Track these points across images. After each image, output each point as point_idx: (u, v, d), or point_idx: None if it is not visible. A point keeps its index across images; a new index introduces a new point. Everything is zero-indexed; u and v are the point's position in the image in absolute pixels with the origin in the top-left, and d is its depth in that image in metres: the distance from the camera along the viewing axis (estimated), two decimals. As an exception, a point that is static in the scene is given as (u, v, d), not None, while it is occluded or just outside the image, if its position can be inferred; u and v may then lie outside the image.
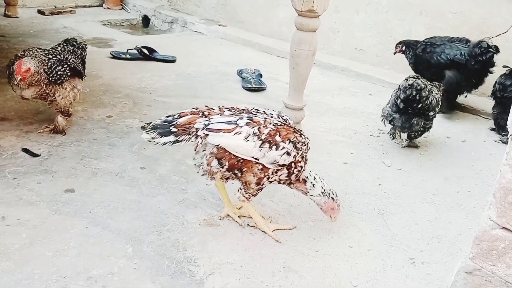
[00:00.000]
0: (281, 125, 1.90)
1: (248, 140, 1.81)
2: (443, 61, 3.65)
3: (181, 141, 1.82)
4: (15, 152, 2.47)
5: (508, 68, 3.39)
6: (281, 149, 1.85)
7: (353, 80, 4.45)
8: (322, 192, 2.01)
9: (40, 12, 5.74)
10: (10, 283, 1.63)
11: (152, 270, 1.77)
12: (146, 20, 6.24)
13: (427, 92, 2.83)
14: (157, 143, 1.80)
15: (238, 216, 2.12)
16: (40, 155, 2.47)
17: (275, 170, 1.90)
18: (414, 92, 2.80)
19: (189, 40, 5.34)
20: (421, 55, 3.78)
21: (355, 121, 3.51)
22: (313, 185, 2.00)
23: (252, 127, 1.83)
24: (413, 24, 4.31)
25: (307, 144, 1.96)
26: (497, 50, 3.48)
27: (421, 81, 2.85)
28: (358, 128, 3.39)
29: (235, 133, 1.81)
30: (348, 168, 2.76)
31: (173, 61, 4.41)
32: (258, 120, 1.87)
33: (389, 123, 3.01)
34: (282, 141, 1.86)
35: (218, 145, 1.82)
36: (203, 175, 1.93)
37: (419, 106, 2.83)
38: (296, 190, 2.04)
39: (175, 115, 1.89)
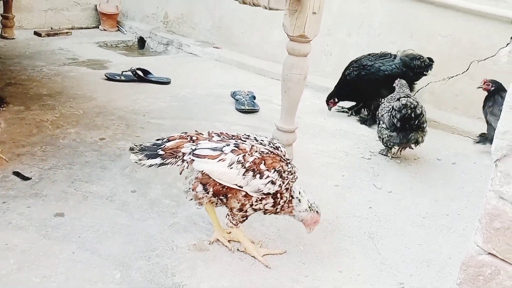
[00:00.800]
0: (267, 153, 1.91)
1: (231, 168, 1.82)
2: (382, 78, 3.80)
3: (167, 164, 1.85)
4: (5, 176, 2.47)
5: None
6: (265, 178, 1.85)
7: (346, 102, 4.49)
8: (309, 207, 1.99)
9: (37, 33, 5.80)
10: (-5, 311, 1.62)
11: (140, 297, 1.76)
12: (141, 42, 6.32)
13: (420, 109, 3.04)
14: (144, 165, 1.84)
15: (228, 241, 2.12)
16: (31, 178, 2.47)
17: (260, 198, 1.90)
18: (409, 110, 3.00)
19: (184, 62, 5.40)
20: (356, 81, 3.90)
21: (347, 143, 3.54)
22: (299, 200, 1.99)
23: (237, 155, 1.84)
24: (404, 46, 4.35)
25: (294, 173, 1.96)
26: (431, 61, 3.75)
27: (413, 99, 3.07)
28: (350, 150, 3.41)
29: (219, 160, 1.82)
30: (340, 191, 2.77)
31: (167, 83, 4.45)
32: (244, 148, 1.87)
33: (388, 143, 3.17)
34: (267, 169, 1.86)
35: (203, 171, 1.84)
36: (191, 199, 1.95)
37: (416, 122, 3.02)
38: (283, 213, 2.04)
39: (164, 138, 1.92)
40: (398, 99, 3.08)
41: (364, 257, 2.18)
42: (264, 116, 3.89)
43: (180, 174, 1.93)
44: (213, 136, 1.95)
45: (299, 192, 2.01)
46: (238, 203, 1.90)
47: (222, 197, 1.90)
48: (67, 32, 6.05)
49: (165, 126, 3.41)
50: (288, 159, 2.00)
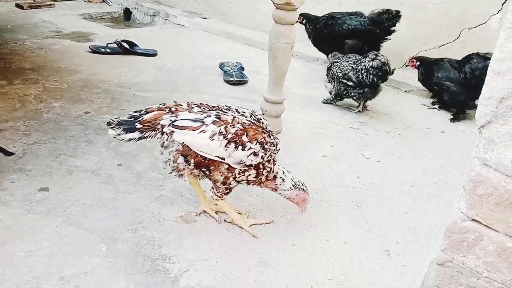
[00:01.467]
0: (249, 125, 1.86)
1: (213, 139, 1.77)
2: (345, 32, 4.02)
3: (146, 137, 1.79)
4: (-12, 151, 2.42)
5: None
6: (248, 149, 1.81)
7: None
8: (293, 185, 2.00)
9: (18, 6, 5.63)
10: (-20, 285, 1.61)
11: (126, 269, 1.76)
12: (127, 13, 6.17)
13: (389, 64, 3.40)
14: (123, 139, 1.78)
15: (215, 212, 2.11)
16: (14, 153, 2.43)
17: (242, 170, 1.87)
18: (387, 67, 3.33)
19: (171, 33, 5.28)
20: (322, 29, 4.11)
21: (336, 113, 3.51)
22: (283, 180, 1.99)
23: (219, 126, 1.79)
24: (394, 15, 4.30)
25: (276, 145, 1.93)
26: (398, 12, 3.88)
27: (384, 56, 3.38)
28: (339, 120, 3.39)
29: (200, 131, 1.77)
30: (328, 161, 2.77)
31: (154, 55, 4.36)
32: (226, 119, 1.82)
33: (357, 98, 3.46)
34: (249, 141, 1.82)
35: (183, 142, 1.79)
36: (171, 172, 1.91)
37: (388, 76, 3.38)
38: (266, 188, 2.03)
39: (142, 110, 1.86)
40: (373, 59, 3.33)
41: (351, 225, 2.18)
42: (252, 88, 3.85)
43: (161, 147, 1.89)
44: (193, 107, 1.90)
45: (283, 172, 2.00)
46: (221, 175, 1.88)
47: (205, 169, 1.87)
48: (50, 4, 5.88)
49: (151, 99, 3.35)
50: (270, 131, 1.96)
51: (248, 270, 1.83)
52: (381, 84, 3.43)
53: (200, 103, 1.95)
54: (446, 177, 2.72)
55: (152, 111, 1.85)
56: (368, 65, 3.34)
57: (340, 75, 3.47)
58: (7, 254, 1.76)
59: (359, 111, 3.55)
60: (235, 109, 1.96)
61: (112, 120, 1.81)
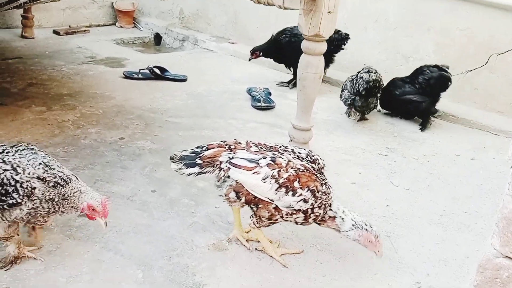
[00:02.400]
0: (303, 170, 1.90)
1: (265, 182, 1.85)
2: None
3: (205, 172, 1.92)
4: (31, 177, 2.55)
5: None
6: (298, 196, 1.85)
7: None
8: (353, 225, 1.94)
9: (55, 32, 5.90)
10: (26, 310, 1.69)
11: (162, 296, 1.82)
12: (158, 38, 6.37)
13: (381, 81, 3.75)
14: (183, 174, 1.93)
15: (246, 240, 2.16)
16: (55, 179, 2.54)
17: (290, 213, 1.91)
18: (377, 83, 3.68)
19: (200, 58, 5.43)
20: (286, 46, 4.30)
21: (364, 139, 3.54)
22: (342, 219, 1.95)
23: (272, 169, 1.86)
24: (420, 40, 4.33)
25: (329, 194, 1.93)
26: (347, 35, 4.25)
27: (378, 73, 3.74)
28: (366, 146, 3.41)
29: (254, 172, 1.86)
30: (356, 189, 2.79)
31: (184, 80, 4.50)
32: (280, 163, 1.88)
33: (349, 104, 3.80)
34: (301, 188, 1.86)
35: (237, 180, 1.89)
36: (224, 201, 2.00)
37: (377, 91, 3.75)
38: (328, 228, 2.02)
39: (203, 146, 1.99)
40: (368, 72, 3.71)
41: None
42: (280, 113, 3.92)
43: (217, 182, 1.96)
44: (251, 146, 1.98)
45: (343, 211, 1.97)
46: (268, 213, 1.93)
47: (253, 206, 1.94)
48: (84, 30, 6.13)
49: (181, 125, 3.46)
50: (324, 179, 1.97)
51: (280, 300, 1.86)
52: (374, 100, 3.78)
53: (259, 143, 2.04)
54: (476, 207, 2.70)
55: (213, 147, 1.96)
56: (360, 76, 3.71)
57: (343, 85, 3.90)
58: (50, 279, 1.85)
59: (354, 118, 3.87)
60: (291, 149, 2.01)
61: (175, 154, 1.95)
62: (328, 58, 4.26)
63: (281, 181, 1.85)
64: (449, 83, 3.70)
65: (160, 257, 2.03)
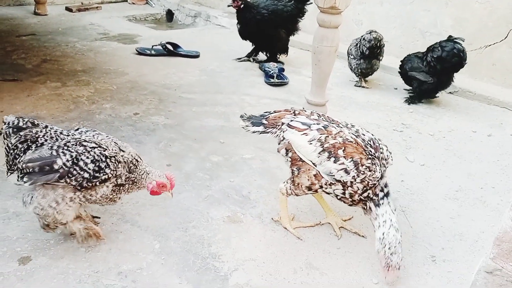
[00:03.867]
0: (351, 142, 1.87)
1: (310, 144, 1.90)
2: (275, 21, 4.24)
3: (268, 132, 2.05)
4: (48, 150, 2.58)
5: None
6: (339, 164, 1.83)
7: (377, 73, 4.39)
8: (380, 238, 1.83)
9: (68, 9, 5.90)
10: (46, 277, 1.74)
11: (179, 266, 1.85)
12: (170, 14, 6.33)
13: (383, 41, 3.90)
14: (248, 131, 2.07)
15: (339, 228, 2.13)
16: (71, 153, 2.57)
17: (329, 182, 1.88)
18: (377, 42, 3.84)
19: (212, 34, 5.39)
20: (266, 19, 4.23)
21: (378, 115, 3.50)
22: (378, 226, 1.86)
23: (320, 134, 1.91)
24: (438, 14, 4.22)
25: (374, 172, 1.84)
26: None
27: (378, 33, 3.88)
28: (381, 122, 3.38)
29: (303, 133, 1.94)
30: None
31: (197, 56, 4.48)
32: (331, 131, 1.91)
33: (355, 69, 4.01)
34: (344, 156, 1.83)
35: (288, 140, 1.98)
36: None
37: (379, 51, 3.92)
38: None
39: (271, 111, 2.12)
40: (370, 32, 3.87)
41: (396, 230, 2.19)
42: (293, 89, 3.89)
43: (278, 144, 2.03)
44: (313, 114, 2.05)
45: (382, 215, 1.85)
46: (308, 180, 1.93)
47: (295, 169, 1.97)
48: (97, 7, 6.12)
49: (195, 101, 3.45)
50: (373, 155, 1.87)
51: (295, 272, 1.88)
52: (377, 62, 3.96)
53: (323, 114, 2.09)
54: (493, 183, 2.67)
55: (279, 111, 2.07)
56: (363, 37, 3.89)
57: (348, 50, 4.06)
58: (69, 249, 1.89)
59: (359, 86, 4.05)
60: (356, 129, 1.97)
61: (245, 113, 2.10)
62: (293, 23, 4.31)
63: (325, 145, 1.87)
64: (463, 63, 3.47)
65: (176, 229, 2.06)
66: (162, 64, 4.18)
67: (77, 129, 1.91)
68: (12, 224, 2.00)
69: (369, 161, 1.85)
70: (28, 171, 1.68)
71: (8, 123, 1.76)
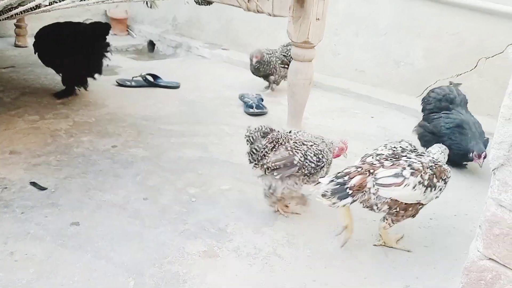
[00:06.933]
0: (435, 167, 2.15)
1: (415, 190, 2.06)
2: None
3: (356, 199, 2.09)
4: (23, 186, 2.56)
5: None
6: (437, 189, 2.16)
7: (354, 101, 4.51)
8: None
9: (49, 40, 5.91)
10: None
11: (153, 304, 1.83)
12: (151, 45, 6.41)
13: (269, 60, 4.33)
14: (338, 206, 2.07)
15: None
16: (47, 188, 2.56)
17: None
18: (257, 65, 4.35)
19: (193, 65, 5.47)
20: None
21: (355, 144, 3.55)
22: None
23: (416, 176, 2.07)
24: (411, 46, 4.39)
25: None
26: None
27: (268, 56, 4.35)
28: (358, 151, 3.42)
29: (405, 185, 2.05)
30: (347, 193, 2.81)
31: (177, 87, 4.52)
32: (418, 168, 2.09)
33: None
34: (438, 181, 2.14)
35: (391, 197, 2.08)
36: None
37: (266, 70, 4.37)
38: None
39: (343, 175, 2.09)
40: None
41: (372, 260, 2.22)
42: (272, 118, 3.94)
43: (366, 202, 2.12)
44: (383, 162, 2.13)
45: None
46: (413, 210, 2.19)
47: (402, 211, 2.16)
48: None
49: (174, 132, 3.48)
50: (444, 164, 2.26)
51: (270, 306, 1.88)
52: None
53: (377, 154, 2.21)
54: (466, 210, 2.73)
55: (354, 176, 2.08)
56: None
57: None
58: (40, 289, 1.86)
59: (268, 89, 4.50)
60: (407, 147, 2.26)
61: (326, 191, 2.05)
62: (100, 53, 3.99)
63: (425, 183, 2.09)
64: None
65: (151, 265, 2.05)
66: (142, 96, 4.22)
67: (290, 132, 2.48)
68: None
69: (448, 171, 2.26)
70: (275, 167, 2.29)
71: (256, 130, 2.37)
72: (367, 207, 2.16)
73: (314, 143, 2.40)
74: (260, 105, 4.11)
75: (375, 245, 2.32)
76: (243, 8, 2.85)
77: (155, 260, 2.08)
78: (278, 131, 2.43)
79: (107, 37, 4.02)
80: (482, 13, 3.91)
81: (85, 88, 4.00)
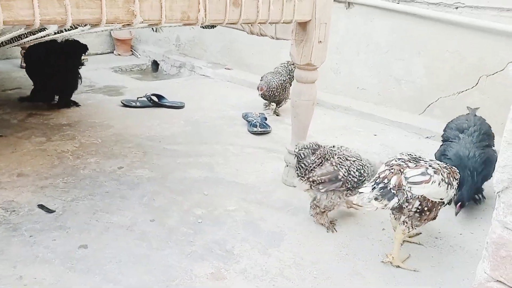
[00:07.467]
0: (448, 167, 2.31)
1: (440, 186, 2.18)
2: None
3: (400, 199, 2.14)
4: (31, 209, 2.59)
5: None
6: (454, 187, 2.27)
7: (356, 119, 4.55)
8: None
9: (55, 62, 6.00)
10: None
11: (162, 327, 1.84)
12: (155, 65, 6.50)
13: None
14: (388, 208, 2.15)
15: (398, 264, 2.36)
16: (55, 211, 2.58)
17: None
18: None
19: (197, 84, 5.53)
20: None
21: (359, 162, 3.58)
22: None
23: (438, 174, 2.19)
24: (411, 64, 4.44)
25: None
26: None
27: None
28: (362, 169, 3.45)
29: (432, 182, 2.15)
30: (352, 212, 2.82)
31: (181, 107, 4.58)
32: (438, 167, 2.23)
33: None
34: (453, 180, 2.27)
35: (422, 194, 2.17)
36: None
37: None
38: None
39: (383, 180, 2.17)
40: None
41: (378, 281, 2.22)
42: (276, 137, 3.98)
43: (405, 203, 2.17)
44: (408, 164, 2.23)
45: None
46: (436, 211, 2.28)
47: (427, 211, 2.23)
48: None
49: (179, 152, 3.51)
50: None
51: (278, 328, 1.88)
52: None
53: (403, 158, 2.29)
54: (471, 228, 2.73)
55: (392, 176, 2.17)
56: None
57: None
58: (50, 313, 1.87)
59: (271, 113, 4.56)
60: (409, 154, 2.36)
61: (376, 196, 2.13)
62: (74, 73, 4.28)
63: (446, 180, 2.21)
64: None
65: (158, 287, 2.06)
66: (147, 116, 4.27)
67: (333, 146, 2.62)
68: (-8, 288, 1.98)
69: (457, 173, 2.39)
70: (321, 181, 2.44)
71: (305, 147, 2.51)
72: (396, 209, 2.21)
73: (357, 158, 2.55)
74: (264, 123, 4.15)
75: (382, 261, 2.35)
76: (246, 31, 2.91)
77: (162, 283, 2.09)
78: (324, 147, 2.56)
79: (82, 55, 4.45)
80: (481, 31, 3.96)
81: (49, 103, 4.32)
